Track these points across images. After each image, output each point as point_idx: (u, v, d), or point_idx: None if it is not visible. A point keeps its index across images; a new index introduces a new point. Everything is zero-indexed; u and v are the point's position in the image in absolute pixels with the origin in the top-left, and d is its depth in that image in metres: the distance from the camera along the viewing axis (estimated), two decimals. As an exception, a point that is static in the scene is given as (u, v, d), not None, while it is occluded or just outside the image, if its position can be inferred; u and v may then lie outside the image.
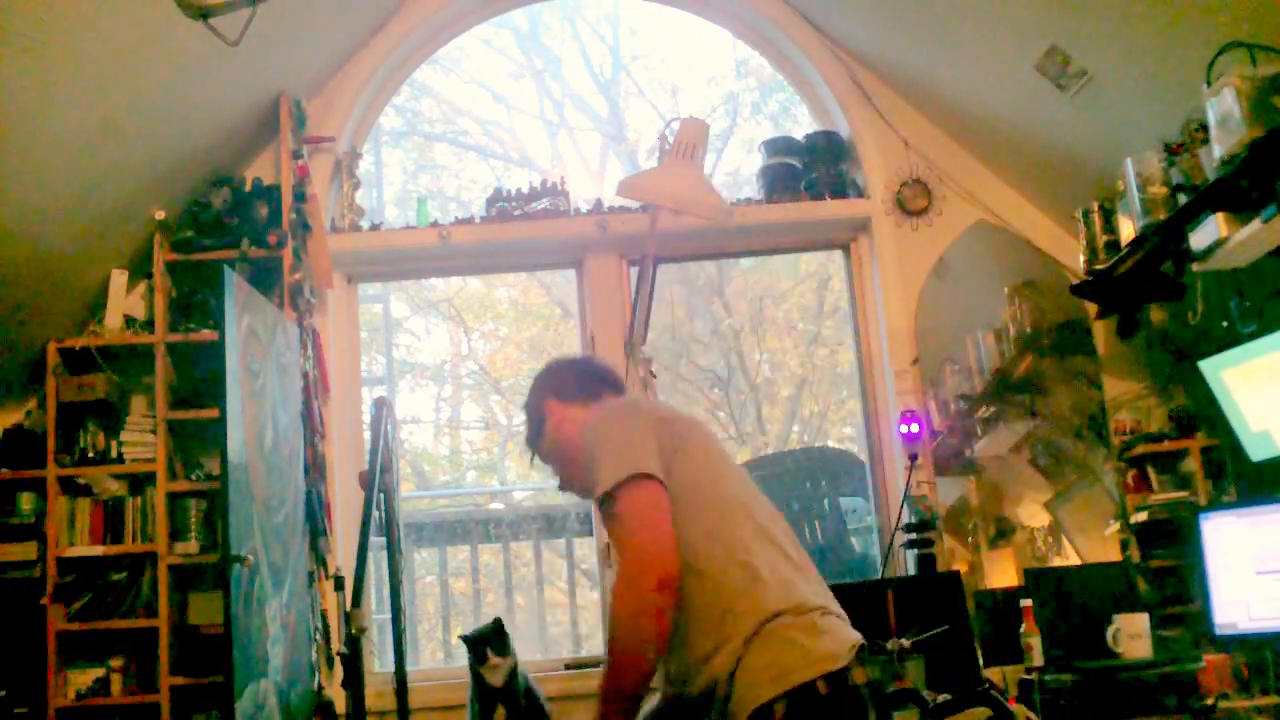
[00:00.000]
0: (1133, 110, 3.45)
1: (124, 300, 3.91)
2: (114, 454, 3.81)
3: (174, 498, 3.78)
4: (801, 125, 7.01)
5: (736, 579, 1.86)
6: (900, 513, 3.96)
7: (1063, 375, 4.07)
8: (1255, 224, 2.78)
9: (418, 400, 9.47)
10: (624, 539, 1.86)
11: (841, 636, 1.86)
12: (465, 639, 3.41)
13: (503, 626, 3.38)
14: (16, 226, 3.36)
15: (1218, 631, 3.29)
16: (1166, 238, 3.15)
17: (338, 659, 3.58)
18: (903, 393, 4.08)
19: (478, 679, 3.38)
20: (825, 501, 4.88)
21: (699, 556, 1.88)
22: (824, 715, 1.76)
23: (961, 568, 3.85)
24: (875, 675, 1.84)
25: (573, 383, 2.20)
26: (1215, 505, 3.56)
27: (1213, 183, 2.85)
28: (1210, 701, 3.07)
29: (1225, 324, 3.42)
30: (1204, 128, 2.88)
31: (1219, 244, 2.91)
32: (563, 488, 2.23)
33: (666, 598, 1.80)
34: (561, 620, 6.73)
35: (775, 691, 1.75)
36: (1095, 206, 3.61)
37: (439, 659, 6.35)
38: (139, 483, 3.81)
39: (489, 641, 3.35)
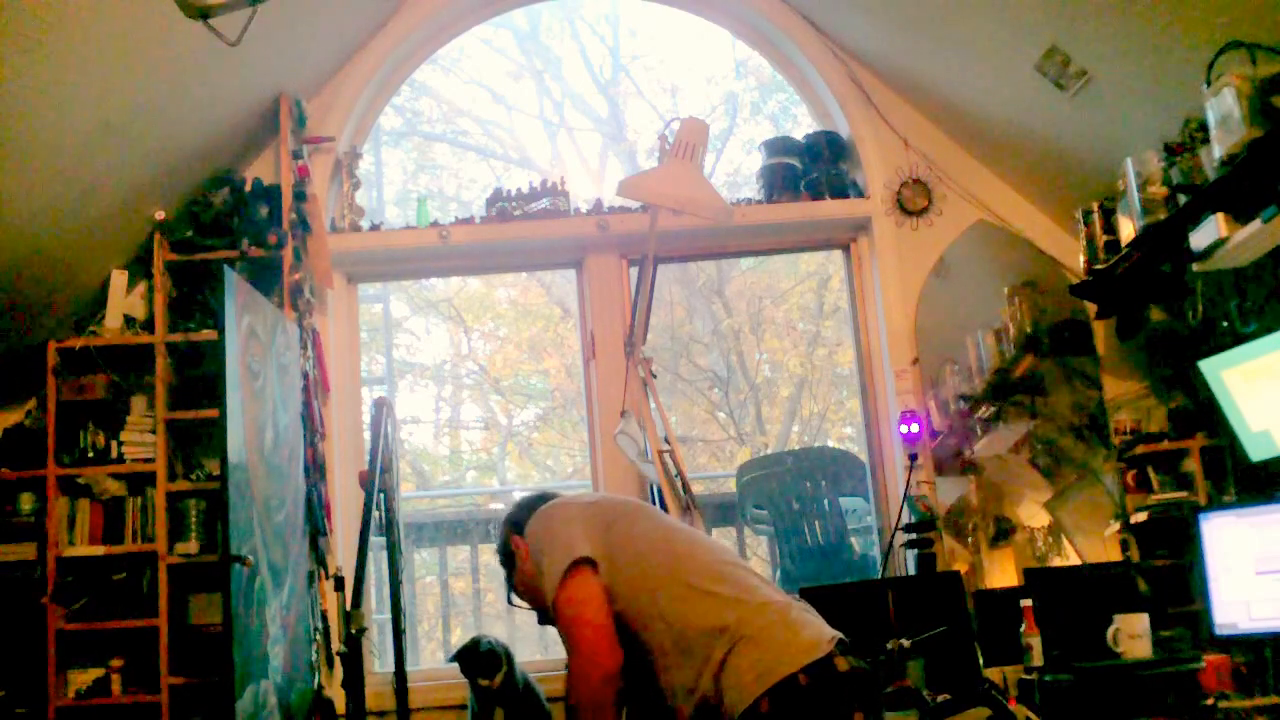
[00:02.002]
0: (1133, 110, 3.45)
1: (124, 300, 3.91)
2: (114, 454, 3.80)
3: (174, 498, 3.77)
4: (801, 125, 7.02)
5: (701, 603, 1.96)
6: (900, 513, 3.96)
7: (1063, 375, 4.06)
8: (1255, 224, 2.78)
9: (418, 400, 9.48)
10: (567, 639, 2.03)
11: (819, 628, 1.94)
12: (452, 659, 3.46)
13: (493, 650, 3.40)
14: (16, 226, 3.35)
15: (1218, 631, 3.30)
16: (1166, 238, 3.16)
17: (338, 659, 3.58)
18: (903, 393, 4.08)
19: (474, 683, 3.39)
20: (825, 501, 4.87)
21: (659, 599, 1.98)
22: (807, 705, 1.83)
23: (961, 568, 3.85)
24: (857, 664, 1.90)
25: (529, 515, 2.26)
26: (1215, 505, 3.56)
27: (1213, 183, 2.85)
28: (1210, 701, 3.07)
29: (1225, 324, 3.42)
30: (1204, 128, 2.88)
31: (1219, 244, 2.92)
32: (543, 621, 2.29)
33: (611, 690, 1.98)
34: (562, 620, 6.71)
35: (759, 690, 1.83)
36: (1095, 206, 3.61)
37: (439, 659, 6.35)
38: (139, 483, 3.80)
39: (475, 668, 3.40)
